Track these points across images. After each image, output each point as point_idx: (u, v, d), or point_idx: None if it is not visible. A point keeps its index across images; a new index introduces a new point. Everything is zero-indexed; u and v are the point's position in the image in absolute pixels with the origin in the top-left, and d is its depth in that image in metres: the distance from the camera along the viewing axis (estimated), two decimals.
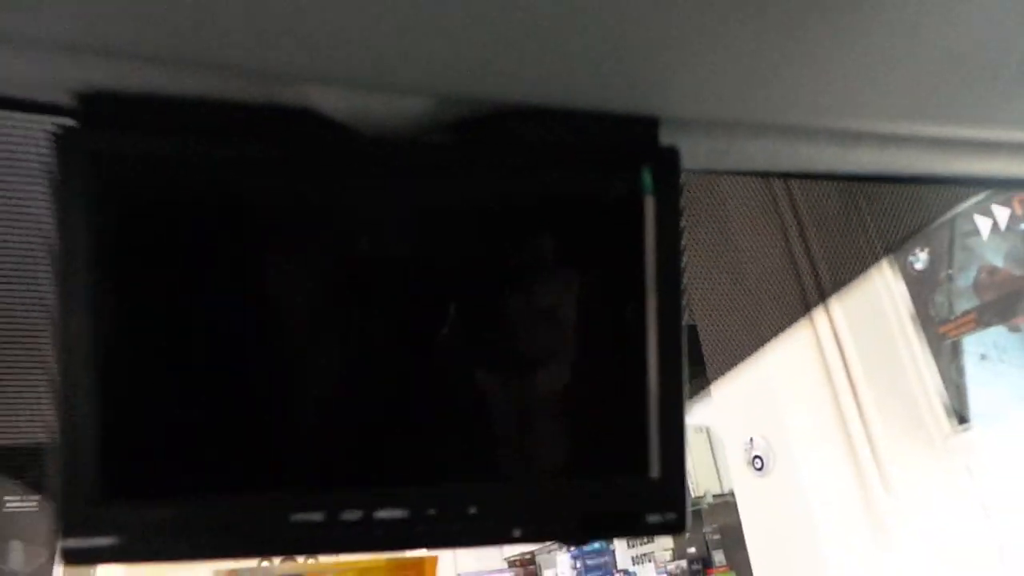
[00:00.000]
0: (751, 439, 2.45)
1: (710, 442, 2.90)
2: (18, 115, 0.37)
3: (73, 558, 0.30)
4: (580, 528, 0.37)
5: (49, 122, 0.32)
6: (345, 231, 0.34)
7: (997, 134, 0.40)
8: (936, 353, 2.41)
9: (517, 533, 0.36)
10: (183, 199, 0.33)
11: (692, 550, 2.90)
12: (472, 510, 0.35)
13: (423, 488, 0.35)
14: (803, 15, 0.29)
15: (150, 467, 0.33)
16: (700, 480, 2.81)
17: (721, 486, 2.76)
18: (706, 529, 2.88)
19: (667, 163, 0.37)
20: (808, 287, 0.76)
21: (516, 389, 0.36)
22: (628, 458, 0.37)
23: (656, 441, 0.37)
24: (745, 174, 0.45)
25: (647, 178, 0.36)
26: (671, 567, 2.92)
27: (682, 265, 0.37)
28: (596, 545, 3.66)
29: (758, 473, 2.41)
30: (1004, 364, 2.18)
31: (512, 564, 4.47)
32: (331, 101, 0.33)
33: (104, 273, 0.31)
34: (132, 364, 0.32)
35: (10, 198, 0.42)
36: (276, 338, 0.34)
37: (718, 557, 2.79)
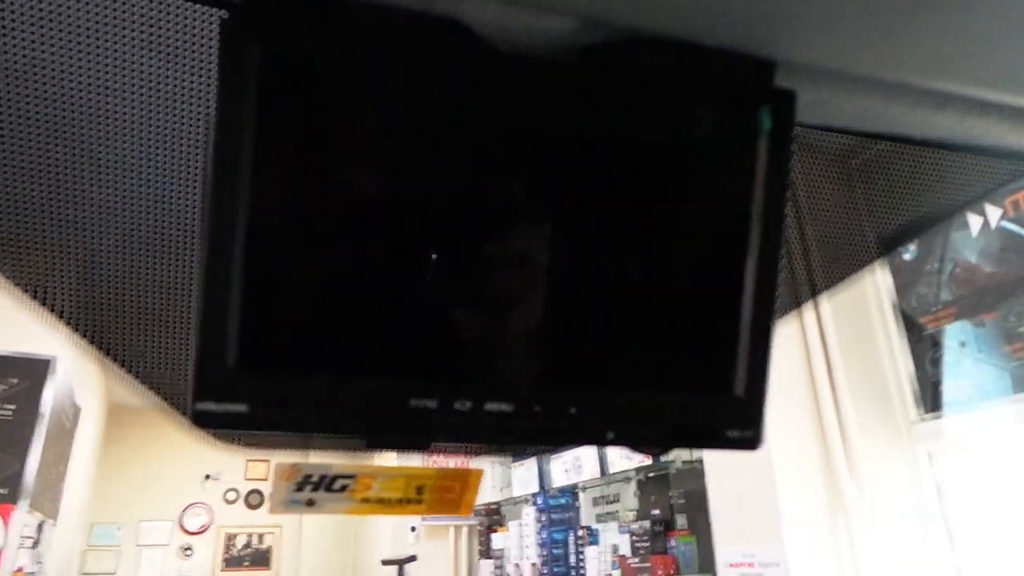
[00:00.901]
0: None
1: None
2: (181, 4, 0.37)
3: (204, 421, 0.33)
4: (667, 437, 0.39)
5: (213, 13, 0.32)
6: (479, 137, 0.36)
7: None
8: (915, 342, 2.47)
9: (611, 436, 0.38)
10: (334, 92, 0.34)
11: (656, 512, 2.99)
12: (572, 410, 0.37)
13: (530, 386, 0.37)
14: None
15: (285, 342, 0.34)
16: None
17: (691, 452, 2.83)
18: (671, 493, 2.96)
19: (784, 105, 0.38)
20: (800, 282, 0.78)
21: (626, 304, 0.38)
22: (718, 376, 0.40)
23: (744, 362, 0.39)
24: (834, 130, 0.46)
25: (765, 118, 0.38)
26: (634, 527, 3.01)
27: (785, 201, 0.38)
28: (562, 500, 3.76)
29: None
30: (981, 355, 2.25)
31: (477, 512, 4.58)
32: (481, 15, 0.34)
33: (259, 158, 0.32)
34: (279, 245, 0.34)
35: (164, 84, 0.42)
36: (412, 232, 0.35)
37: (680, 520, 2.88)
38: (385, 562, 4.34)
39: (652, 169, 0.38)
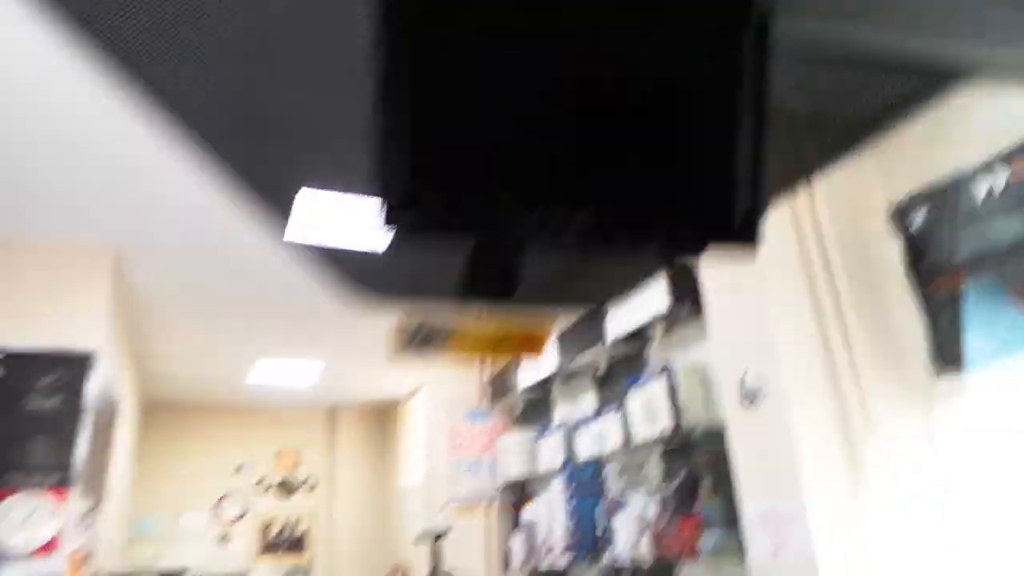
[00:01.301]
0: (744, 375, 2.60)
1: (703, 380, 3.05)
2: None
3: (390, 219, 0.45)
4: (695, 240, 0.53)
5: None
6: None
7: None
8: (929, 305, 2.54)
9: (664, 241, 0.52)
10: None
11: (680, 477, 3.09)
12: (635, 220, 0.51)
13: (603, 198, 0.50)
14: None
15: (446, 163, 0.47)
16: (693, 414, 2.98)
17: (710, 419, 2.93)
18: (696, 457, 3.07)
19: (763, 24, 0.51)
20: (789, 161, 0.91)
21: (668, 145, 0.52)
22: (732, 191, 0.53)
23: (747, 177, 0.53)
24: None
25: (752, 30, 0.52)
26: (661, 492, 3.12)
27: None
28: (588, 471, 3.86)
29: (749, 407, 2.57)
30: (993, 313, 2.32)
31: (506, 488, 4.71)
32: None
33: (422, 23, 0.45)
34: (441, 95, 0.47)
35: None
36: (547, 84, 0.49)
37: (705, 483, 2.98)
38: (420, 537, 4.48)
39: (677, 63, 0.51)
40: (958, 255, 2.44)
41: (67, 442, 3.42)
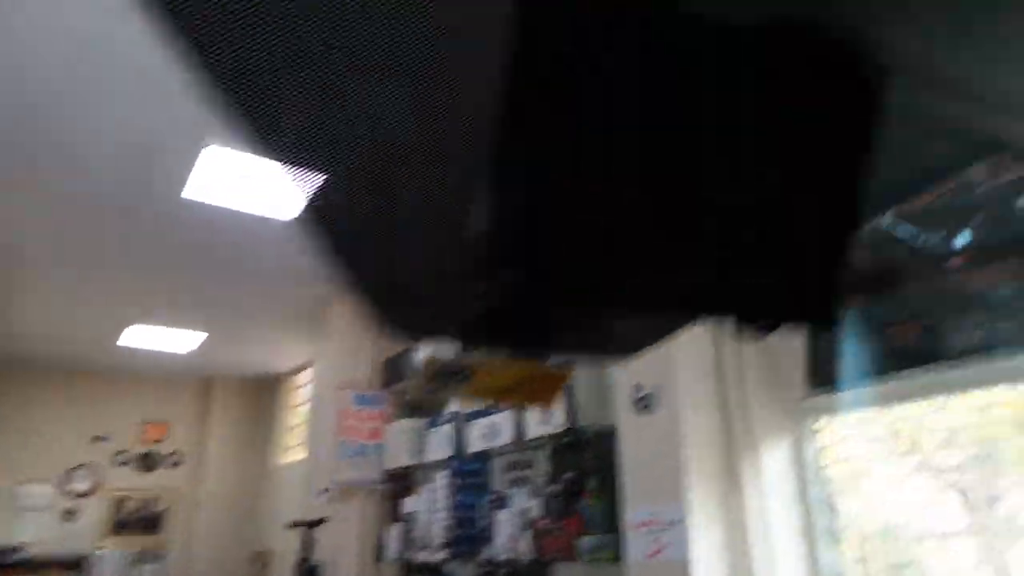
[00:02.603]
0: (638, 383, 2.69)
1: (600, 382, 3.12)
2: None
3: (496, 288, 0.45)
4: (790, 315, 0.53)
5: None
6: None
7: None
8: (812, 328, 2.71)
9: (749, 317, 0.54)
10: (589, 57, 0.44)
11: (568, 476, 3.15)
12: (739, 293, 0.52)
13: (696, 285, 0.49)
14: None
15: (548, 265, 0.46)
16: (587, 414, 3.04)
17: (603, 420, 3.00)
18: (585, 457, 3.13)
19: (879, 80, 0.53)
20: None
21: (761, 231, 0.51)
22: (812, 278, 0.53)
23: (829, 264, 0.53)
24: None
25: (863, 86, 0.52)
26: (547, 491, 3.16)
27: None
28: (475, 465, 3.87)
29: (642, 412, 2.66)
30: (863, 339, 2.50)
31: (390, 477, 4.63)
32: None
33: (538, 108, 0.43)
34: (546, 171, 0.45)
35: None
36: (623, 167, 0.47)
37: (591, 483, 3.05)
38: (293, 524, 4.33)
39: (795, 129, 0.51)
40: None
41: None
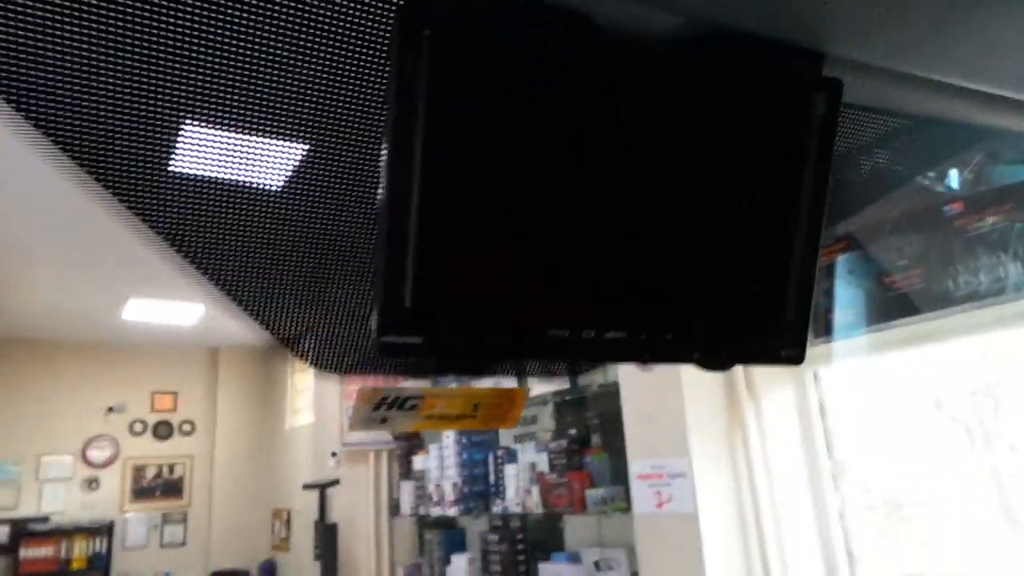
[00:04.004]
0: None
1: None
2: None
3: (387, 351, 0.39)
4: (737, 357, 0.50)
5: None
6: (594, 110, 0.43)
7: None
8: None
9: (696, 356, 0.48)
10: (489, 69, 0.40)
11: (572, 432, 3.19)
12: (669, 337, 0.47)
13: (637, 318, 0.46)
14: None
15: (453, 287, 0.41)
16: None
17: (605, 377, 3.02)
18: (588, 414, 3.16)
19: (833, 91, 0.47)
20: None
21: (709, 253, 0.47)
22: (776, 308, 0.50)
23: (793, 292, 0.48)
24: (865, 109, 0.55)
25: (818, 102, 0.47)
26: (552, 446, 3.21)
27: (831, 167, 0.48)
28: None
29: (642, 366, 2.66)
30: (863, 286, 2.49)
31: (398, 437, 4.69)
32: (606, 9, 0.40)
33: (437, 127, 0.38)
34: (448, 206, 0.40)
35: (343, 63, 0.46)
36: (548, 189, 0.43)
37: (595, 439, 3.09)
38: (306, 486, 4.42)
39: (725, 142, 0.46)
40: (837, 229, 2.59)
41: None
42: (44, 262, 5.00)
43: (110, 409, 7.55)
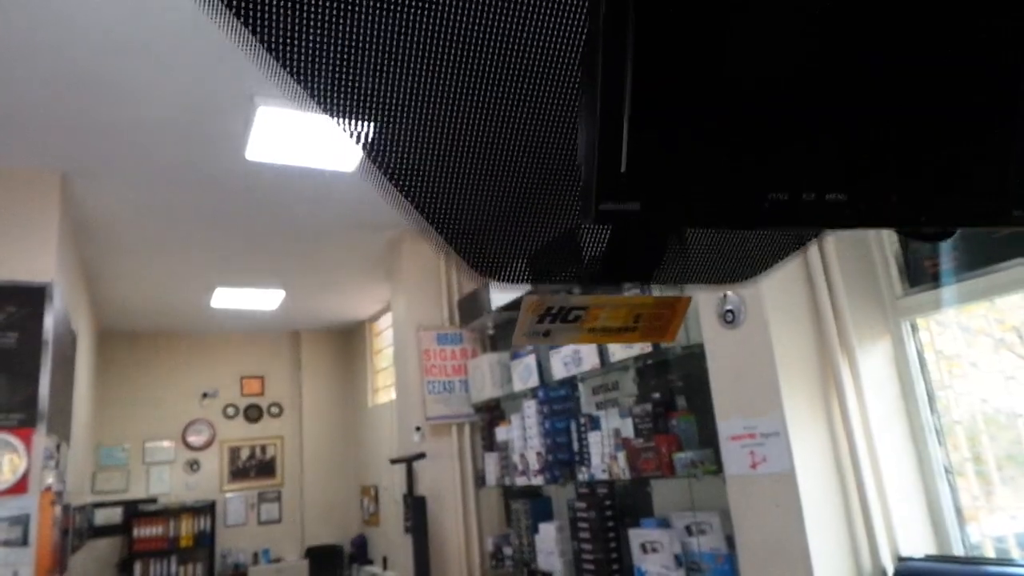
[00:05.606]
0: (725, 294, 2.62)
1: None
2: None
3: (604, 219, 0.39)
4: (963, 219, 0.47)
5: None
6: None
7: None
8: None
9: (923, 218, 0.46)
10: None
11: (657, 395, 3.15)
12: (894, 198, 0.45)
13: (860, 178, 0.44)
14: None
15: (670, 146, 0.40)
16: None
17: (688, 338, 2.96)
18: (671, 376, 3.12)
19: None
20: None
21: (933, 117, 0.45)
22: (1002, 163, 0.47)
23: (1018, 156, 0.46)
24: None
25: None
26: (636, 410, 3.18)
27: None
28: (562, 391, 3.91)
29: (728, 326, 2.60)
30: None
31: (479, 409, 4.76)
32: None
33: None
34: (669, 57, 0.39)
35: None
36: (773, 62, 0.41)
37: (680, 402, 3.04)
38: (394, 461, 4.54)
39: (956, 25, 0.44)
40: None
41: (29, 379, 3.29)
42: (140, 257, 5.27)
43: (204, 394, 7.95)
